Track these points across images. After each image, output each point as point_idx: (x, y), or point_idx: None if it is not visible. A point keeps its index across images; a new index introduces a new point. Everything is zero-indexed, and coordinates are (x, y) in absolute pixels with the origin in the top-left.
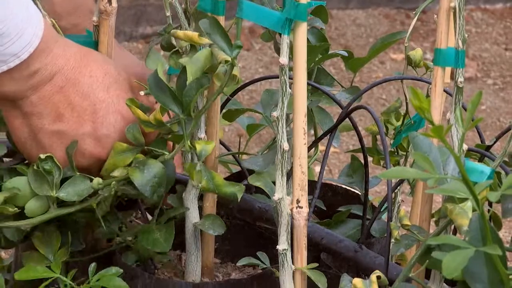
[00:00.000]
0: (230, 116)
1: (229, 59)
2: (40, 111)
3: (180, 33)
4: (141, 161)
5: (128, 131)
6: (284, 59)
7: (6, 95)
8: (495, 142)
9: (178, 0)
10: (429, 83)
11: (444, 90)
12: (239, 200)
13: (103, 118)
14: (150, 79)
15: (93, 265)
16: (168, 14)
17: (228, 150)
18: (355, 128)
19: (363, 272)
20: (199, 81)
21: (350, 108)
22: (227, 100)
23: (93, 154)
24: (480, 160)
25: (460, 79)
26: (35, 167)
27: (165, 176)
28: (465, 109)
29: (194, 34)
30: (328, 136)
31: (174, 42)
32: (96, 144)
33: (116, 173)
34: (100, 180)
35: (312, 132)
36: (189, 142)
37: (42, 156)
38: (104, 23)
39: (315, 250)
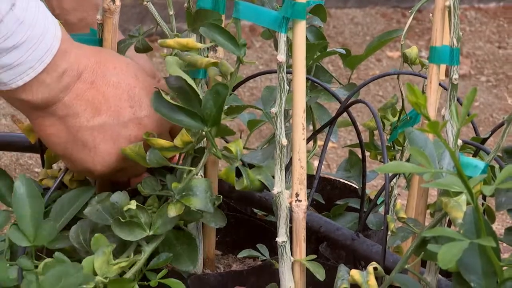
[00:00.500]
0: (231, 112)
1: (232, 70)
2: (76, 110)
3: (170, 41)
4: (187, 187)
5: (151, 161)
6: (281, 56)
7: (41, 103)
8: (490, 136)
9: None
10: (426, 77)
11: (440, 85)
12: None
13: (140, 101)
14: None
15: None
16: (171, 12)
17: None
18: (353, 122)
19: (361, 260)
20: (215, 90)
21: (348, 102)
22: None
23: (139, 137)
24: (475, 153)
25: (455, 76)
26: (121, 219)
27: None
28: (461, 104)
29: (189, 41)
30: (326, 131)
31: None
32: (139, 127)
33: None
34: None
35: (311, 127)
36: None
37: (126, 208)
38: (108, 21)
39: (314, 238)
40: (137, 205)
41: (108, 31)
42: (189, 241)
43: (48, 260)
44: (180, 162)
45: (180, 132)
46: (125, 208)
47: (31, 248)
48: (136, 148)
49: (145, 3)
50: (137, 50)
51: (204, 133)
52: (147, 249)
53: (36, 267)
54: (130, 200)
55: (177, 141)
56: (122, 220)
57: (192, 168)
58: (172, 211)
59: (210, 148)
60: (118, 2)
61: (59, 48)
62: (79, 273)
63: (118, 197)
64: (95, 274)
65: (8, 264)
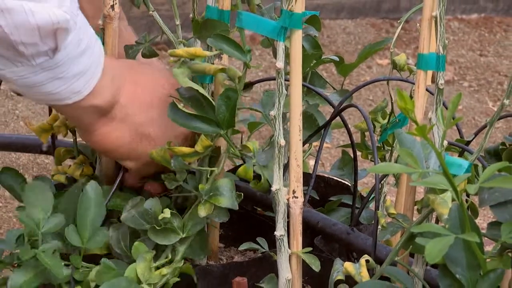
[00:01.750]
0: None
1: (240, 74)
2: (132, 109)
3: (179, 51)
4: (214, 187)
5: (175, 166)
6: (280, 63)
7: (107, 106)
8: (473, 138)
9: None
10: (413, 83)
11: (427, 90)
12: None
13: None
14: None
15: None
16: (177, 22)
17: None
18: (345, 125)
19: (356, 252)
20: (226, 95)
21: (341, 107)
22: None
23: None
24: (460, 154)
25: (441, 81)
26: (156, 227)
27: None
28: (446, 107)
29: (196, 49)
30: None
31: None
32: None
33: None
34: None
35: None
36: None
37: (161, 217)
38: (108, 26)
39: (312, 233)
40: (170, 213)
41: (108, 35)
42: (200, 233)
43: (98, 267)
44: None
45: (200, 138)
46: (160, 217)
47: (82, 250)
48: (161, 152)
49: (150, 12)
50: (144, 56)
51: (221, 135)
52: (181, 250)
53: (87, 268)
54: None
55: (198, 147)
56: (157, 227)
57: (214, 169)
58: (202, 211)
59: (228, 148)
60: (117, 9)
61: (105, 54)
62: (132, 286)
63: (151, 204)
64: (139, 281)
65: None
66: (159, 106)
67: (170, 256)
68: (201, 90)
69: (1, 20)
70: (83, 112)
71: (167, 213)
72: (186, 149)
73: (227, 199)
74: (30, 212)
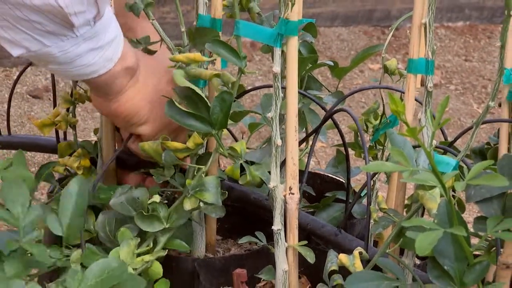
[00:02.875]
0: (235, 116)
1: (233, 79)
2: (151, 71)
3: (179, 57)
4: (200, 183)
5: (166, 161)
6: (277, 68)
7: (135, 66)
8: (456, 140)
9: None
10: (400, 91)
11: (416, 100)
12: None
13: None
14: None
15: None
16: (183, 29)
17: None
18: (337, 126)
19: (344, 252)
20: (221, 98)
21: (332, 110)
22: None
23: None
24: (443, 154)
25: (430, 84)
26: (144, 213)
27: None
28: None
29: (196, 55)
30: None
31: None
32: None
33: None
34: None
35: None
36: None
37: (150, 201)
38: None
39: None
40: (159, 200)
41: None
42: (187, 227)
43: (79, 250)
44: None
45: (192, 135)
46: (149, 201)
47: (62, 239)
48: (154, 145)
49: (150, 21)
50: None
51: (212, 135)
52: (162, 239)
53: (66, 256)
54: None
55: (190, 144)
56: (144, 213)
57: (201, 166)
58: (188, 204)
59: (217, 148)
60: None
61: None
62: (122, 268)
63: (140, 192)
64: None
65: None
66: (168, 72)
67: (151, 245)
68: (198, 91)
69: None
70: (115, 78)
71: (156, 198)
72: (178, 144)
73: (212, 195)
74: (10, 207)
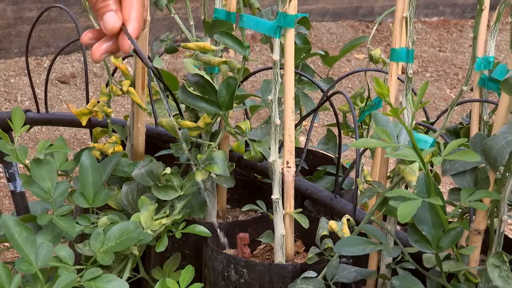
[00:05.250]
0: (238, 99)
1: (239, 66)
2: None
3: (190, 45)
4: (210, 157)
5: (181, 136)
6: (276, 56)
7: None
8: (437, 119)
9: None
10: (387, 73)
11: (398, 78)
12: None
13: None
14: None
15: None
16: (192, 23)
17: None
18: (333, 108)
19: (337, 215)
20: (227, 82)
21: (329, 93)
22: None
23: None
24: (426, 132)
25: (410, 71)
26: (158, 184)
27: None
28: (415, 93)
29: (205, 44)
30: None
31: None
32: None
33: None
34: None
35: (298, 111)
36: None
37: (163, 172)
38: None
39: (301, 198)
40: (171, 172)
41: (140, 39)
42: (199, 196)
43: (104, 217)
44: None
45: (202, 116)
46: (162, 173)
47: (90, 209)
48: (171, 122)
49: (172, 14)
50: (166, 51)
51: (220, 115)
52: (179, 205)
53: (92, 223)
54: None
55: (200, 123)
56: (159, 184)
57: (211, 143)
58: (199, 176)
59: (225, 127)
60: (148, 17)
61: None
62: (138, 230)
63: (155, 166)
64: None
65: (74, 222)
66: None
67: (168, 212)
68: (206, 76)
69: None
70: None
71: (168, 170)
72: (190, 123)
73: (220, 168)
74: (41, 184)
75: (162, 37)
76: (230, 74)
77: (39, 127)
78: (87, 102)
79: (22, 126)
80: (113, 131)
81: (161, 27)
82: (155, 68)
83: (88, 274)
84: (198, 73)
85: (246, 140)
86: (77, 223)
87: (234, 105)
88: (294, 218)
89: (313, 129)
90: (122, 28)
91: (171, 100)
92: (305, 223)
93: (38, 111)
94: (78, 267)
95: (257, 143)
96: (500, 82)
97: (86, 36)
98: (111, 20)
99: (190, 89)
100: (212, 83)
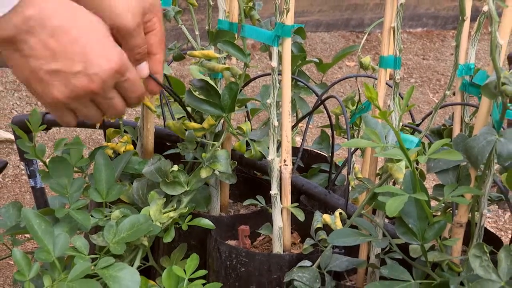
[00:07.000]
0: (239, 103)
1: (240, 72)
2: (38, 54)
3: (196, 53)
4: (213, 156)
5: (188, 137)
6: (274, 63)
7: (7, 39)
8: (422, 121)
9: (196, 26)
10: (376, 78)
11: (386, 83)
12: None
13: (93, 60)
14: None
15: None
16: (197, 33)
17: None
18: (326, 110)
19: (330, 209)
20: (229, 87)
21: (324, 97)
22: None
23: (86, 88)
24: (412, 133)
25: (397, 77)
26: (166, 180)
27: (230, 155)
28: (402, 98)
29: (209, 52)
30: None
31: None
32: (88, 80)
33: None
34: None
35: (295, 114)
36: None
37: (171, 170)
38: None
39: (297, 194)
40: (178, 169)
41: None
42: (204, 191)
43: (117, 211)
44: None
45: (207, 118)
46: (170, 170)
47: (103, 203)
48: (178, 124)
49: (179, 25)
50: (174, 59)
51: (223, 117)
52: (185, 200)
53: (106, 216)
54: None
55: (205, 124)
56: (167, 180)
57: (215, 143)
58: (203, 173)
59: (227, 128)
60: None
61: None
62: (148, 222)
63: (164, 163)
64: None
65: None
66: (67, 64)
67: (175, 206)
68: (210, 82)
69: None
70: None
71: (175, 167)
72: (195, 125)
73: (223, 166)
74: (58, 180)
75: (170, 46)
76: (233, 79)
77: (57, 128)
78: None
79: (40, 126)
80: (125, 131)
81: (169, 37)
82: (164, 75)
83: (102, 262)
84: (203, 79)
85: (247, 140)
86: (91, 216)
87: (236, 107)
88: (291, 212)
89: (308, 130)
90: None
91: (177, 104)
92: (301, 216)
93: None
94: (93, 256)
95: (257, 143)
96: (481, 87)
97: None
98: (146, 72)
99: (196, 93)
100: (216, 87)
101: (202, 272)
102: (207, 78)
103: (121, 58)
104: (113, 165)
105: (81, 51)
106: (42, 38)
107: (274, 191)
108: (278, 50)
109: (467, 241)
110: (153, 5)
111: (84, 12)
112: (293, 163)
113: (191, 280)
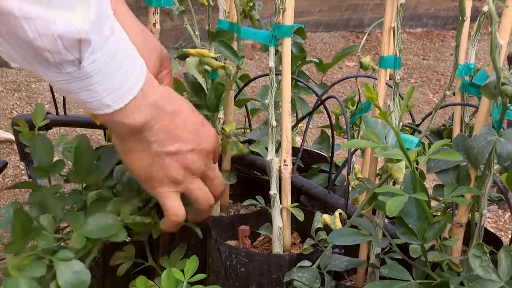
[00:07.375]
0: (239, 103)
1: (233, 72)
2: (161, 138)
3: (192, 50)
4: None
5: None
6: (271, 63)
7: (138, 127)
8: (422, 122)
9: (197, 26)
10: (376, 78)
11: (386, 83)
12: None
13: (200, 135)
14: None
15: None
16: (197, 33)
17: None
18: (327, 111)
19: (330, 209)
20: (216, 87)
21: (324, 97)
22: (237, 93)
23: (197, 161)
24: (412, 133)
25: (397, 77)
26: None
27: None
28: (402, 98)
29: (204, 51)
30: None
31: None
32: (199, 153)
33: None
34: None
35: (295, 114)
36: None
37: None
38: None
39: (297, 194)
40: None
41: None
42: None
43: (93, 193)
44: None
45: None
46: None
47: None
48: None
49: (184, 25)
50: (179, 58)
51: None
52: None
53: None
54: None
55: None
56: None
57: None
58: None
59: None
60: (158, 26)
61: (146, 77)
62: (116, 223)
63: None
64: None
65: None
66: (184, 142)
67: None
68: (200, 79)
69: (25, 25)
70: (116, 125)
71: None
72: None
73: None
74: (39, 161)
75: (176, 45)
76: (227, 79)
77: (58, 128)
78: None
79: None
80: None
81: (169, 37)
82: None
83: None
84: (194, 76)
85: (246, 140)
86: (68, 195)
87: (235, 108)
88: (291, 212)
89: (308, 130)
90: None
91: None
92: (300, 216)
93: (57, 113)
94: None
95: (256, 143)
96: (481, 87)
97: None
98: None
99: (185, 96)
100: (204, 87)
101: (201, 275)
102: (198, 76)
103: (214, 132)
104: (93, 150)
105: (193, 129)
106: (164, 123)
107: (273, 191)
108: (277, 50)
109: (467, 241)
110: (167, 59)
111: (176, 93)
112: (293, 163)
113: (190, 283)
